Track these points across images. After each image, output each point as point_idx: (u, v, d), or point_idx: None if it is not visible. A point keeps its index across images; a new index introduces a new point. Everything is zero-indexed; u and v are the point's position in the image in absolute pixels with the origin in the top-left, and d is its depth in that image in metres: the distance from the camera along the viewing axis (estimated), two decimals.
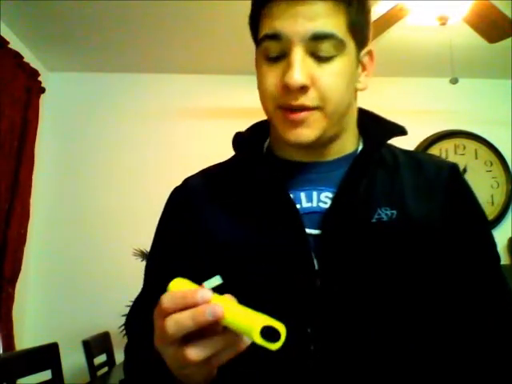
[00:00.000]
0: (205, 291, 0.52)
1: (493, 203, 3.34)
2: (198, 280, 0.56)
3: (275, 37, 0.69)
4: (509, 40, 2.34)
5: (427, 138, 3.37)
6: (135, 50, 3.08)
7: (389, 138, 0.80)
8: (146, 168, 3.23)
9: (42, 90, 3.06)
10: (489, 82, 3.43)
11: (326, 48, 0.69)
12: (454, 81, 2.38)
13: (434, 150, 3.36)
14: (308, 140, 0.72)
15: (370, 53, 0.78)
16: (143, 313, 0.70)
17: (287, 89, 0.69)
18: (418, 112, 3.34)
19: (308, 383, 0.68)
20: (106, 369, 2.51)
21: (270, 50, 0.71)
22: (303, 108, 0.69)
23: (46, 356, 1.83)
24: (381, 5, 2.22)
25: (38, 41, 2.93)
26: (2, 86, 2.58)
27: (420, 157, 0.84)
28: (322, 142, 0.76)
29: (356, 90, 0.77)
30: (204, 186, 0.82)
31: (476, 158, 3.41)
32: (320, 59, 0.69)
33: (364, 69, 0.77)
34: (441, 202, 0.76)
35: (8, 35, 2.68)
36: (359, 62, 0.76)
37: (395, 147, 0.84)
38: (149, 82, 3.34)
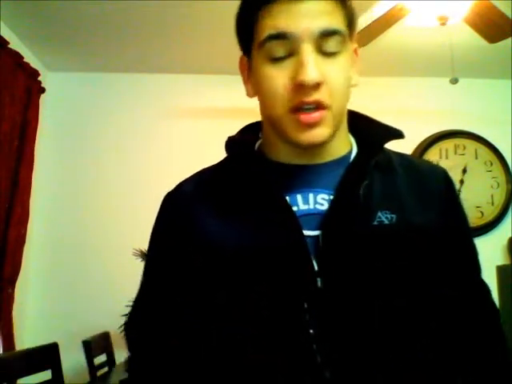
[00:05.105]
0: None
1: (493, 203, 3.34)
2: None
3: (281, 36, 0.69)
4: (509, 40, 2.34)
5: (427, 138, 3.37)
6: (135, 50, 3.08)
7: (387, 142, 0.80)
8: (147, 168, 3.23)
9: (42, 90, 3.06)
10: (489, 82, 3.43)
11: (332, 44, 0.70)
12: (454, 81, 2.37)
13: (434, 150, 3.36)
14: (323, 139, 0.71)
15: (355, 50, 0.79)
16: (154, 339, 0.76)
17: (300, 87, 0.68)
18: (418, 112, 3.34)
19: (311, 381, 0.68)
20: (106, 369, 2.51)
21: (275, 50, 0.70)
22: (317, 104, 0.69)
23: (46, 356, 1.83)
24: (381, 5, 2.22)
25: (38, 41, 2.93)
26: (2, 86, 2.58)
27: (413, 160, 0.86)
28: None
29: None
30: (198, 191, 0.80)
31: (476, 158, 3.40)
32: (327, 55, 0.70)
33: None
34: (439, 210, 0.78)
35: (8, 35, 2.68)
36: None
37: (388, 149, 0.83)
38: (149, 82, 3.34)
